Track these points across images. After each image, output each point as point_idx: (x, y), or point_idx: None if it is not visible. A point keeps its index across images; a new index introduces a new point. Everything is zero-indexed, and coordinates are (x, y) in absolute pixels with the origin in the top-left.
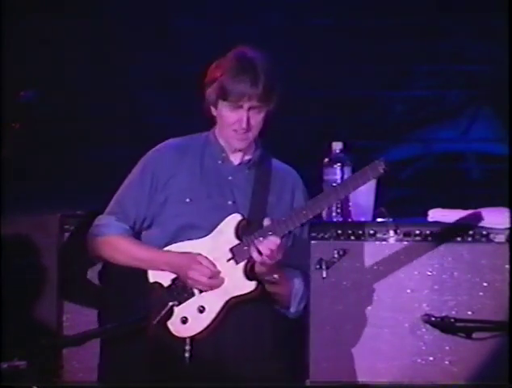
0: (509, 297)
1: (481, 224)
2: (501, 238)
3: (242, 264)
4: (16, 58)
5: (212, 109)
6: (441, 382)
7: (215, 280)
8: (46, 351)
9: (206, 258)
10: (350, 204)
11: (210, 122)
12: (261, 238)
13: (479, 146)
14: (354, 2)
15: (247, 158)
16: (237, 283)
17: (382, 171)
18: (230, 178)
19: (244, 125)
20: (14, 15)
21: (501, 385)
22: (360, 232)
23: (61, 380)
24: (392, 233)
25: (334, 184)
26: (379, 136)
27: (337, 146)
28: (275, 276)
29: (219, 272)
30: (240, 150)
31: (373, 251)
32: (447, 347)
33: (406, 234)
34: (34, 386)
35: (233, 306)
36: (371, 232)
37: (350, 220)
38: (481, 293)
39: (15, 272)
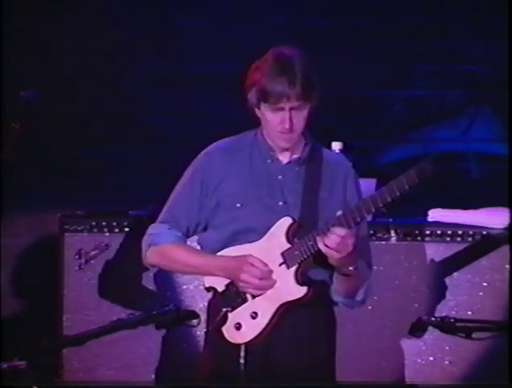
0: (509, 297)
1: (481, 224)
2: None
3: (293, 269)
4: (16, 58)
5: (256, 111)
6: (441, 382)
7: (266, 281)
8: (46, 351)
9: (257, 258)
10: None
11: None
12: (326, 230)
13: (479, 146)
14: (354, 2)
15: (296, 156)
16: (288, 288)
17: (429, 172)
18: (280, 177)
19: (287, 126)
20: (14, 15)
21: (501, 385)
22: None
23: (61, 380)
24: (392, 233)
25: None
26: (379, 136)
27: (337, 146)
28: (351, 268)
29: (270, 272)
30: (287, 149)
31: (373, 251)
32: (447, 347)
33: (406, 234)
34: (34, 386)
35: (288, 312)
36: (371, 232)
37: None
38: (481, 293)
39: (15, 273)
